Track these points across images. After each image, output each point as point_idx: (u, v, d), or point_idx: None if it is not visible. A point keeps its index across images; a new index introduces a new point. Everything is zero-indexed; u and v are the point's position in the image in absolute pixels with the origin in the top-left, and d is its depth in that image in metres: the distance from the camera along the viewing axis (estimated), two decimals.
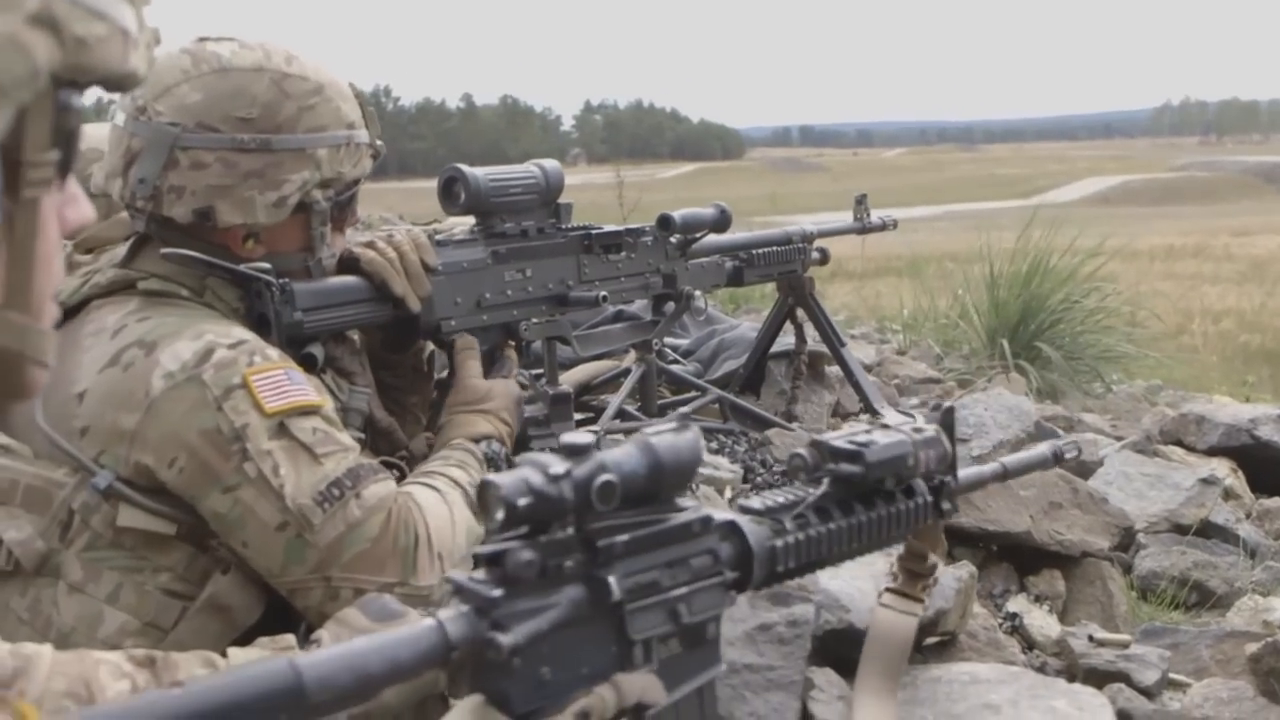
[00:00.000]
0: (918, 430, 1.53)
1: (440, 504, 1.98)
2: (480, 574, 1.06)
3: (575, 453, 1.10)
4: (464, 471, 2.10)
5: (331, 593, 1.84)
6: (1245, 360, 13.22)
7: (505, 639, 1.01)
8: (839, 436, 1.47)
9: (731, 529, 1.32)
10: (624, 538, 1.14)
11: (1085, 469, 3.15)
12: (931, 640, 2.03)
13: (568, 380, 3.00)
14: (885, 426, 1.55)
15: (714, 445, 2.95)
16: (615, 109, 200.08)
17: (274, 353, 1.90)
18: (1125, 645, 2.29)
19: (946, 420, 1.60)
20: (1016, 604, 2.49)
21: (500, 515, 1.04)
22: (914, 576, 1.85)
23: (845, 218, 3.72)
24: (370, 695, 1.02)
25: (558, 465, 1.07)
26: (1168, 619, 2.57)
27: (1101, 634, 2.34)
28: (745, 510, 1.37)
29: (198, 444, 1.81)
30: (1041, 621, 2.43)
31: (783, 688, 1.70)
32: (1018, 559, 2.62)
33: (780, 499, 1.40)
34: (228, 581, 1.87)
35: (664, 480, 1.17)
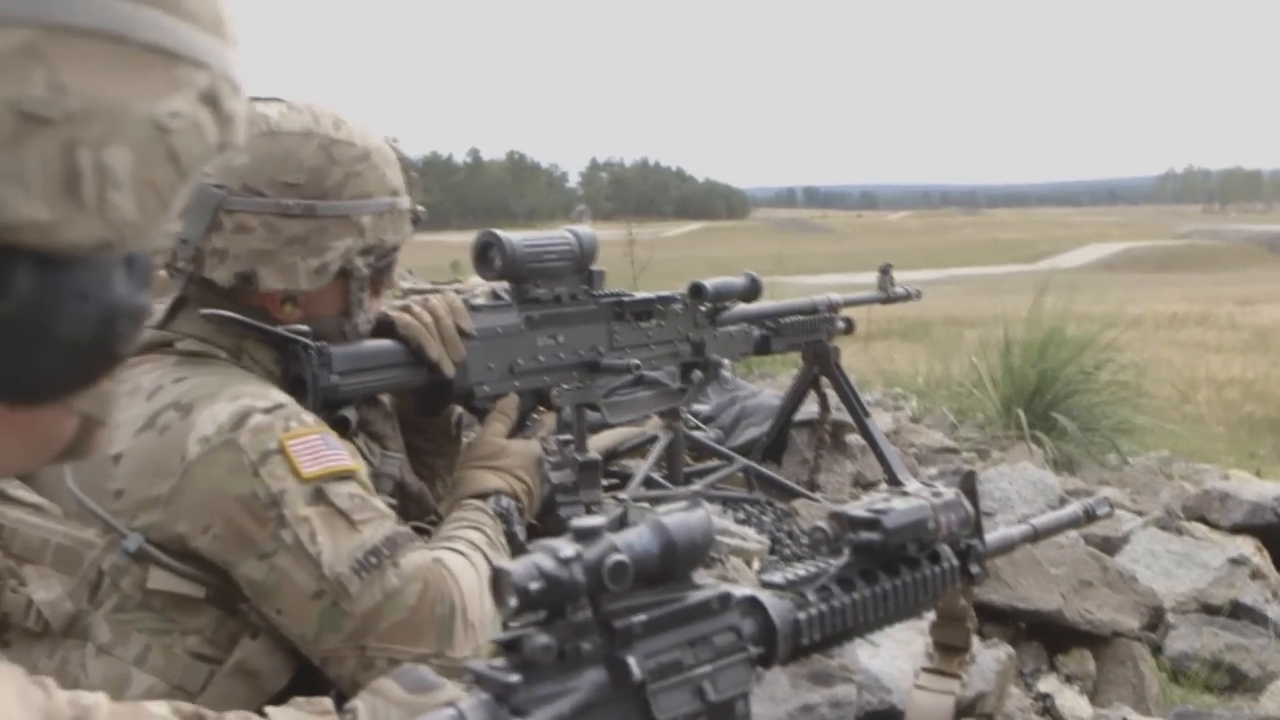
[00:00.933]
0: (936, 494, 1.52)
1: (469, 569, 1.96)
2: (499, 660, 1.05)
3: (585, 535, 1.09)
4: (480, 533, 2.08)
5: (366, 662, 1.81)
6: (1250, 430, 13.19)
7: None
8: (858, 506, 1.46)
9: (753, 605, 1.31)
10: (642, 618, 1.13)
11: (1111, 545, 3.13)
12: None
13: (594, 446, 2.99)
14: (904, 493, 1.54)
15: (740, 516, 2.93)
16: (621, 167, 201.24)
17: (310, 418, 1.89)
18: None
19: (967, 484, 1.59)
20: (1047, 684, 2.46)
21: (513, 601, 1.04)
22: (950, 652, 1.83)
23: (868, 285, 3.72)
24: None
25: (568, 548, 1.06)
26: (1200, 702, 2.54)
27: (1135, 717, 2.31)
28: (767, 585, 1.36)
29: (233, 510, 1.79)
30: (1073, 703, 2.40)
31: None
32: (1047, 637, 2.60)
33: (802, 571, 1.38)
34: (256, 646, 1.85)
35: (677, 559, 1.17)
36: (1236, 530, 3.51)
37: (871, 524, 1.42)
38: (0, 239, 0.75)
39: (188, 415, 1.82)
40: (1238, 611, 2.89)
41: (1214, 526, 3.58)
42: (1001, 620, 2.53)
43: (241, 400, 1.83)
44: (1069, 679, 2.51)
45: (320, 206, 1.95)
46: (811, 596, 1.36)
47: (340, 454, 1.88)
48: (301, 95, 2.05)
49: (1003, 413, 5.77)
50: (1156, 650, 2.73)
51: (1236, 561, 2.98)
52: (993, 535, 1.66)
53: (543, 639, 1.03)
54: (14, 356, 0.80)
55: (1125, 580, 2.70)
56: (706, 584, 1.22)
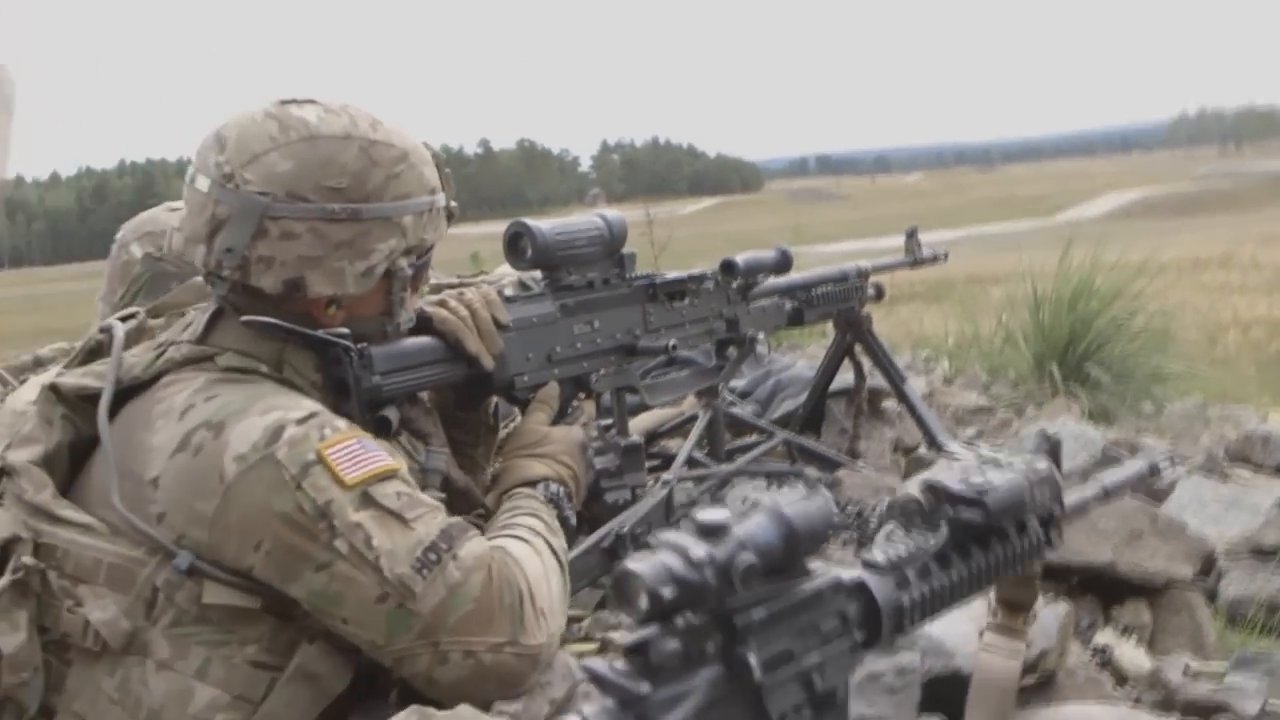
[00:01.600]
0: (1031, 467, 1.51)
1: (533, 556, 1.96)
2: (621, 664, 1.04)
3: (712, 532, 1.07)
4: (538, 519, 2.08)
5: (440, 657, 1.81)
6: None
7: None
8: (954, 477, 1.44)
9: (858, 588, 1.29)
10: (761, 613, 1.11)
11: (1157, 494, 3.12)
12: (1029, 680, 2.00)
13: (634, 429, 2.99)
14: (997, 463, 1.52)
15: (785, 489, 2.92)
16: (632, 147, 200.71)
17: (343, 423, 1.87)
18: (1220, 675, 2.26)
19: (1055, 452, 1.58)
20: (1104, 636, 2.45)
21: (644, 605, 1.02)
22: (1014, 610, 1.82)
23: (887, 250, 3.71)
24: None
25: (698, 549, 1.04)
26: (1259, 646, 2.53)
27: (1195, 665, 2.30)
28: (869, 565, 1.34)
29: (281, 527, 1.77)
30: (1131, 654, 2.39)
31: None
32: (1101, 590, 2.59)
33: (901, 550, 1.36)
34: (315, 650, 1.85)
35: (799, 550, 1.15)
36: None
37: (974, 503, 1.40)
38: None
39: (220, 434, 1.81)
40: None
41: (1258, 468, 3.57)
42: (1054, 576, 2.52)
43: (273, 414, 1.82)
44: (1126, 631, 2.50)
45: (365, 210, 1.94)
46: (913, 577, 1.34)
47: (379, 454, 1.87)
48: (330, 95, 2.04)
49: (1035, 368, 5.75)
50: (1211, 597, 2.73)
51: None
52: (1068, 499, 1.64)
53: (671, 644, 1.01)
54: None
55: (1175, 529, 2.68)
56: (818, 570, 1.20)
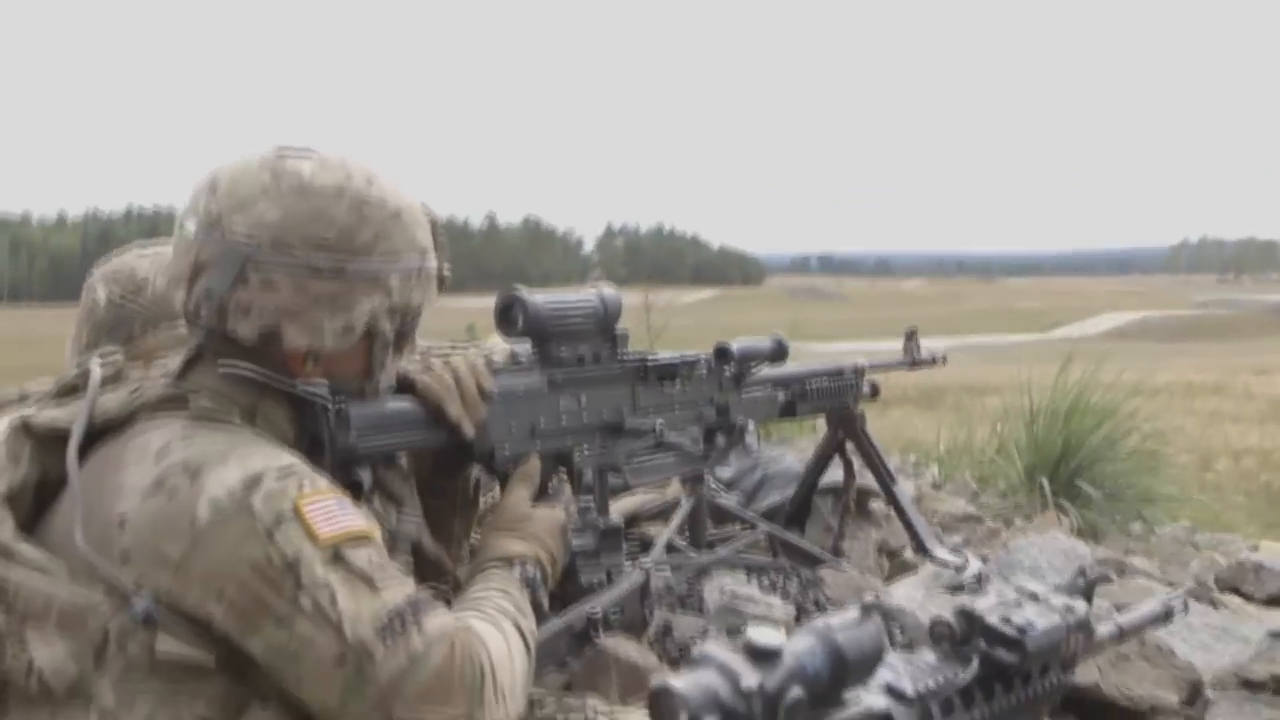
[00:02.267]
0: (1069, 610, 1.43)
1: (498, 636, 1.90)
2: None
3: (765, 658, 1.00)
4: (508, 599, 2.03)
5: None
6: (1269, 500, 13.08)
7: None
8: (994, 611, 1.37)
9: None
10: None
11: None
12: None
13: (616, 510, 2.92)
14: (1035, 598, 1.45)
15: (765, 583, 2.86)
16: (636, 233, 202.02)
17: (323, 481, 1.84)
18: None
19: (1089, 591, 1.51)
20: None
21: None
22: None
23: (883, 352, 3.67)
24: None
25: (749, 677, 0.98)
26: None
27: None
28: (895, 695, 1.27)
29: (248, 576, 1.73)
30: None
31: None
32: (1083, 712, 2.51)
33: (929, 683, 1.29)
34: (267, 714, 1.79)
35: (846, 679, 1.09)
36: (1271, 602, 3.43)
37: (1013, 644, 1.33)
38: None
39: (197, 479, 1.77)
40: (1278, 687, 2.80)
41: (1248, 599, 3.50)
42: None
43: (252, 463, 1.78)
44: None
45: (349, 266, 1.91)
46: (936, 713, 1.28)
47: (356, 517, 1.83)
48: (332, 147, 2.01)
49: (1026, 480, 5.70)
50: None
51: (1277, 635, 2.89)
52: None
53: None
54: None
55: (1163, 654, 2.61)
56: (851, 698, 1.13)
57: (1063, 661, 1.46)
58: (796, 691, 0.99)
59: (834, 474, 3.49)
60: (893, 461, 6.79)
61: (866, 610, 1.12)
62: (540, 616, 2.11)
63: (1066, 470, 5.60)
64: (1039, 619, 1.38)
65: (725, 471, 3.79)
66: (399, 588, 1.81)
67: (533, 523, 2.19)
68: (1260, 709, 2.63)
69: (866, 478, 3.49)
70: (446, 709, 1.77)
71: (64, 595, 1.79)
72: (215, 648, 1.77)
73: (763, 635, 1.00)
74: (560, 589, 2.39)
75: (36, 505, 1.93)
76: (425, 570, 2.18)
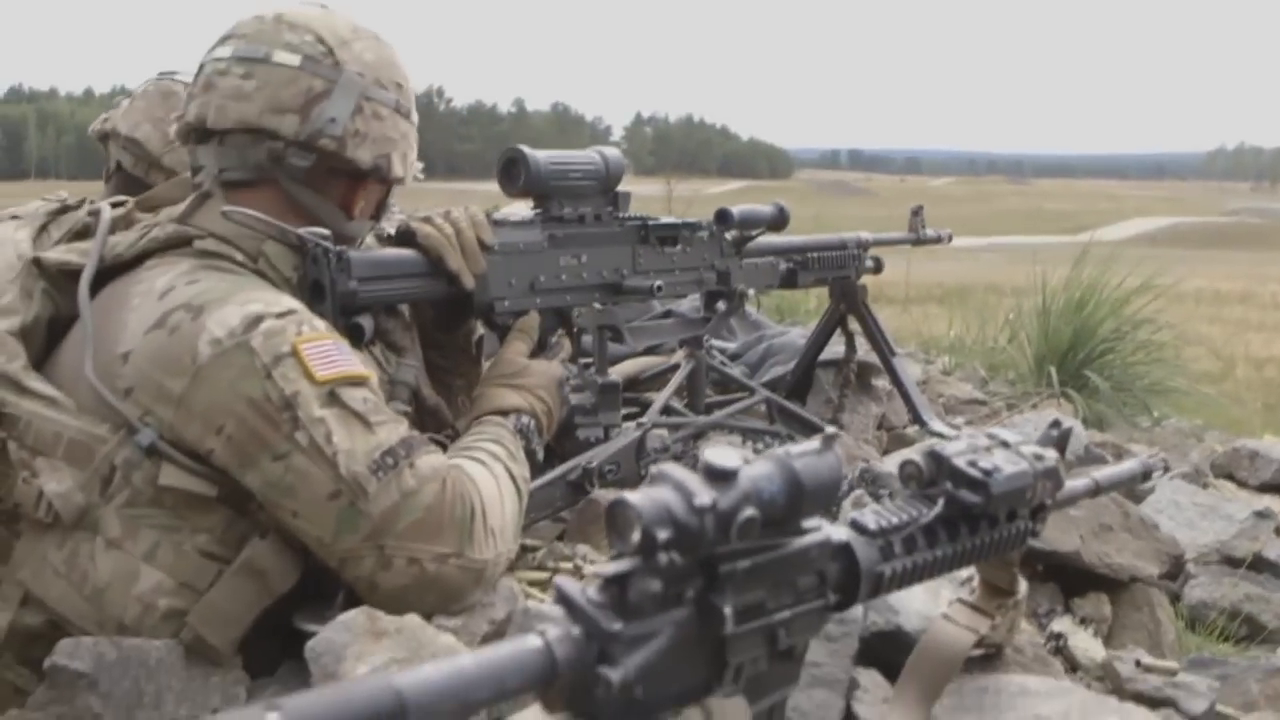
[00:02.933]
0: (1039, 458, 1.46)
1: (489, 478, 1.96)
2: (594, 592, 0.99)
3: (721, 478, 1.02)
4: (501, 446, 2.08)
5: (384, 561, 1.81)
6: None
7: (615, 675, 0.95)
8: (960, 453, 1.40)
9: (843, 550, 1.25)
10: (746, 564, 1.06)
11: (1135, 495, 3.08)
12: (977, 652, 1.98)
13: (617, 373, 2.97)
14: (1006, 445, 1.47)
15: (760, 447, 2.91)
16: (665, 122, 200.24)
17: (321, 324, 1.89)
18: (1173, 673, 2.23)
19: (1062, 443, 1.54)
20: (1061, 625, 2.43)
21: (635, 539, 0.98)
22: (994, 593, 1.80)
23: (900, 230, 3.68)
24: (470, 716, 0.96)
25: (703, 495, 0.99)
26: (1216, 650, 2.51)
27: (1149, 660, 2.27)
28: (857, 528, 1.30)
29: (246, 412, 1.79)
30: (1086, 644, 2.36)
31: (827, 685, 1.66)
32: (1064, 579, 2.56)
33: (893, 519, 1.32)
34: (265, 546, 1.86)
35: (801, 507, 1.10)
36: (1264, 489, 3.47)
37: (977, 486, 1.36)
38: None
39: (198, 317, 1.82)
40: (1260, 565, 2.85)
41: (1242, 485, 3.54)
42: (1019, 560, 2.50)
43: (253, 304, 1.84)
44: (1084, 621, 2.47)
45: (413, 114, 2.14)
46: (898, 548, 1.31)
47: (352, 360, 1.89)
48: None
49: (1035, 370, 5.72)
50: (1175, 599, 2.70)
51: (1262, 515, 2.93)
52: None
53: (653, 584, 0.97)
54: None
55: (1147, 527, 2.65)
56: (811, 527, 1.16)
57: (1030, 508, 1.49)
58: (750, 511, 1.00)
59: (838, 348, 3.53)
60: (907, 349, 6.83)
61: (827, 440, 1.13)
62: (534, 467, 2.17)
63: (1075, 360, 5.62)
64: (1006, 464, 1.41)
65: (730, 344, 3.84)
66: (393, 428, 1.86)
67: (529, 375, 2.24)
68: (1238, 582, 2.69)
69: (872, 356, 3.53)
70: (436, 545, 1.83)
71: (72, 428, 1.86)
72: (216, 481, 1.84)
73: (720, 456, 1.02)
74: (558, 444, 2.45)
75: (48, 343, 2.00)
76: (425, 420, 2.24)
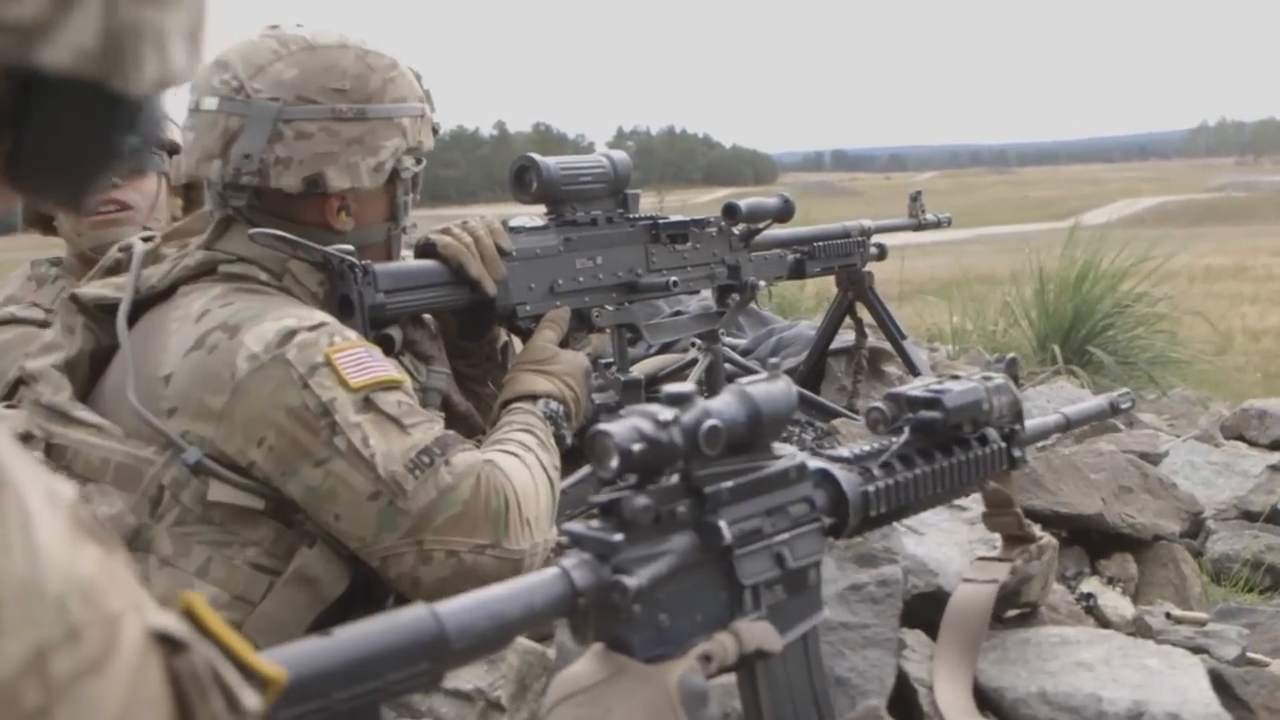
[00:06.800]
0: (987, 378, 1.58)
1: (522, 469, 2.01)
2: (596, 523, 1.09)
3: (679, 401, 1.12)
4: (532, 435, 2.13)
5: (424, 556, 1.86)
6: None
7: (630, 581, 1.04)
8: (915, 387, 1.52)
9: (825, 477, 1.36)
10: (729, 484, 1.17)
11: (1150, 460, 3.14)
12: (1013, 613, 2.03)
13: (637, 371, 3.02)
14: (955, 376, 1.60)
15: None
16: (647, 135, 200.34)
17: (352, 334, 1.95)
18: (1203, 623, 2.29)
19: (1011, 369, 1.65)
20: (1090, 585, 2.48)
21: (614, 463, 1.07)
22: (1013, 542, 1.88)
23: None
24: (506, 642, 1.04)
25: (665, 412, 1.10)
26: (1242, 601, 2.56)
27: (1178, 612, 2.33)
28: (833, 459, 1.41)
29: (286, 422, 1.84)
30: (1116, 602, 2.42)
31: (879, 645, 1.72)
32: (1088, 542, 2.62)
33: (865, 447, 1.43)
34: (314, 555, 1.91)
35: (762, 428, 1.21)
36: (1275, 446, 3.52)
37: (932, 403, 1.48)
38: None
39: (235, 335, 1.88)
40: (1277, 517, 2.90)
41: (1252, 444, 3.59)
42: (1043, 526, 2.55)
43: (287, 320, 1.89)
44: (1111, 581, 2.53)
45: (369, 109, 2.05)
46: (876, 471, 1.41)
47: (385, 365, 1.94)
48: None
49: (1038, 349, 5.78)
50: (1197, 555, 2.75)
51: (1276, 469, 2.99)
52: (1030, 423, 1.74)
53: (642, 500, 1.07)
54: None
55: (1166, 486, 2.71)
56: (784, 453, 1.27)
57: (998, 429, 1.60)
58: (712, 421, 1.11)
59: (846, 336, 3.58)
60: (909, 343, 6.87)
61: (773, 370, 1.26)
62: (563, 453, 2.21)
63: (1077, 337, 5.67)
64: (956, 385, 1.56)
65: (741, 340, 3.89)
66: (428, 428, 1.92)
67: (558, 362, 2.28)
68: (1258, 534, 2.74)
69: (881, 341, 3.58)
70: (474, 538, 1.89)
71: (119, 452, 1.91)
72: (263, 494, 1.89)
73: (675, 386, 1.14)
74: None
75: (91, 374, 2.06)
76: (457, 426, 2.28)
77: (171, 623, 0.59)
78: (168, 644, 0.58)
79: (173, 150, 2.80)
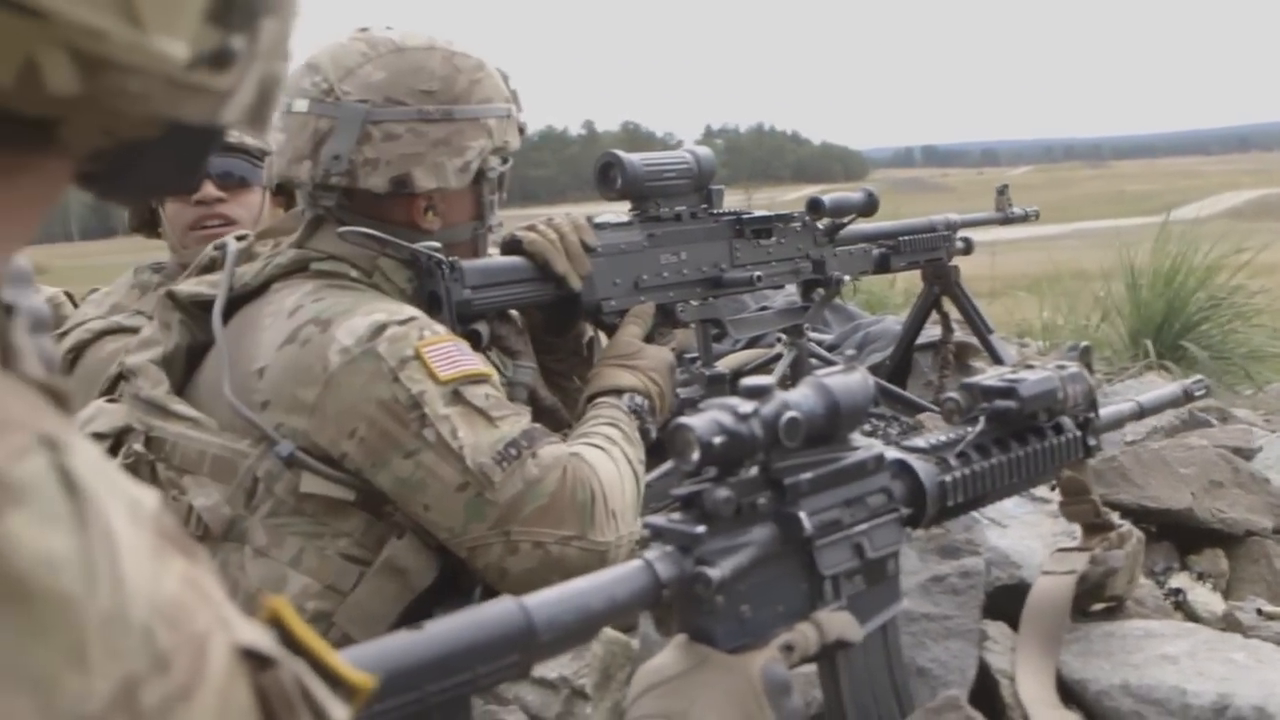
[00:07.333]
0: (1062, 367, 1.59)
1: (608, 462, 2.04)
2: (678, 516, 1.11)
3: (758, 393, 1.14)
4: (617, 429, 2.16)
5: (511, 547, 1.90)
6: None
7: (713, 572, 1.06)
8: (989, 377, 1.52)
9: (903, 467, 1.37)
10: (808, 475, 1.18)
11: (1242, 454, 3.08)
12: (1099, 606, 2.02)
13: (723, 365, 3.04)
14: (1030, 366, 1.60)
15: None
16: (736, 133, 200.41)
17: (441, 328, 1.99)
18: None
19: (1086, 358, 1.65)
20: (1179, 581, 2.45)
21: (695, 456, 1.09)
22: (1093, 531, 1.88)
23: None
24: (592, 633, 1.07)
25: (745, 405, 1.11)
26: None
27: (1269, 608, 2.30)
28: (910, 449, 1.41)
29: (376, 414, 1.89)
30: (1205, 598, 2.39)
31: (961, 636, 1.72)
32: (1178, 538, 2.58)
33: (942, 438, 1.44)
34: (403, 545, 1.96)
35: (840, 419, 1.22)
36: None
37: (1007, 393, 1.49)
38: None
39: (327, 329, 1.94)
40: None
41: None
42: (1133, 521, 2.52)
43: (377, 314, 1.95)
44: (1201, 577, 2.49)
45: (455, 110, 2.09)
46: (953, 461, 1.42)
47: (473, 359, 1.99)
48: None
49: (1130, 345, 5.70)
50: None
51: None
52: (1104, 411, 1.73)
53: (723, 492, 1.09)
54: None
55: (1258, 481, 2.66)
56: (861, 445, 1.28)
57: (1073, 418, 1.60)
58: (792, 413, 1.13)
59: (934, 330, 3.57)
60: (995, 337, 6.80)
61: (849, 361, 1.28)
62: (648, 446, 2.24)
63: (1170, 332, 5.59)
64: (1031, 375, 1.56)
65: (827, 336, 3.89)
66: (515, 420, 1.96)
67: (643, 357, 2.31)
68: None
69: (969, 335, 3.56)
70: (560, 529, 1.93)
71: (215, 445, 1.98)
72: (354, 486, 1.94)
73: (754, 379, 1.16)
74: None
75: (187, 369, 2.13)
76: (543, 420, 2.32)
77: (258, 637, 0.58)
78: (254, 660, 0.57)
79: None
